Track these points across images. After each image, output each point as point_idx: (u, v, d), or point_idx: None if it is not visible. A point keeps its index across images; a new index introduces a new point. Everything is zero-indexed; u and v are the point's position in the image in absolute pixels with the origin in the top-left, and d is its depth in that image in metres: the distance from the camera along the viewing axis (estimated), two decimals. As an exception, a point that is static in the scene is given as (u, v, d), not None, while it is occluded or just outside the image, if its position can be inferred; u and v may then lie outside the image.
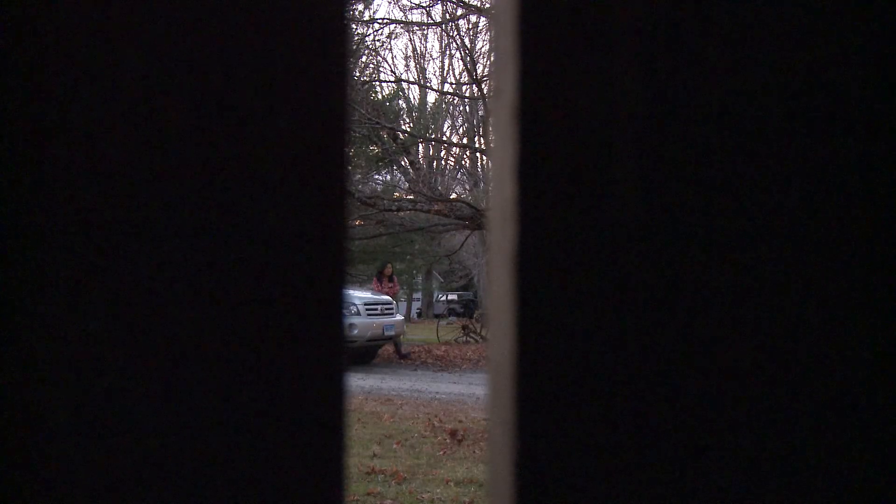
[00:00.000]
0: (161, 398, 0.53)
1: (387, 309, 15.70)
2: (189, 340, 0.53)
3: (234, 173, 0.53)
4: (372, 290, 18.01)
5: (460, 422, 8.84)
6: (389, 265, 19.12)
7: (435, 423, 8.77)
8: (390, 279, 18.51)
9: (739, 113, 0.56)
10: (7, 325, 0.52)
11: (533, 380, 0.54)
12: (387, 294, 17.22)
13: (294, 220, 0.54)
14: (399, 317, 16.33)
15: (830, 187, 0.56)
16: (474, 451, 7.37)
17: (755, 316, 0.56)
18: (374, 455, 7.12)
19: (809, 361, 0.56)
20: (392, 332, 15.56)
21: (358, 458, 6.88)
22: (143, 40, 0.53)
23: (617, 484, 0.55)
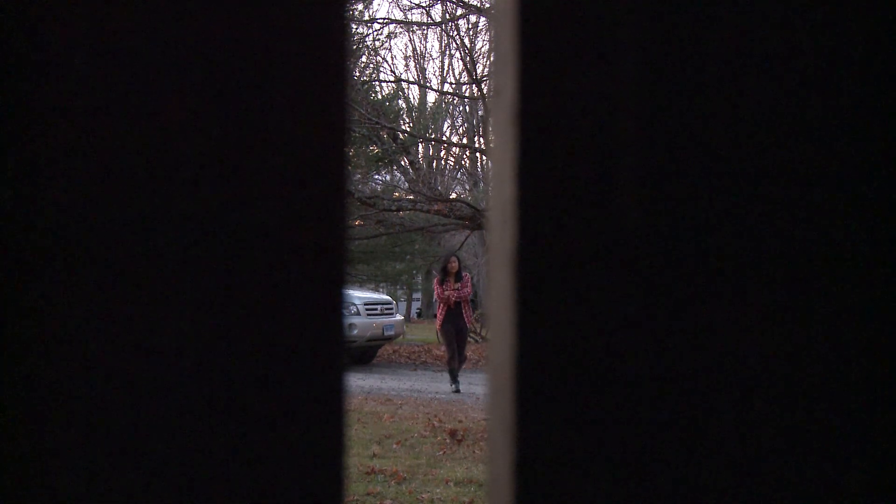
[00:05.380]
0: (160, 398, 0.53)
1: (387, 309, 15.69)
2: (188, 340, 0.53)
3: (234, 173, 0.53)
4: (434, 296, 12.90)
5: (460, 422, 8.83)
6: (455, 258, 12.67)
7: (435, 423, 8.77)
8: (458, 277, 12.42)
9: (740, 112, 0.56)
10: (8, 324, 0.52)
11: (533, 380, 0.54)
12: (458, 299, 12.23)
13: (294, 220, 0.54)
14: (399, 317, 16.30)
15: (834, 185, 0.56)
16: (474, 451, 7.37)
17: (757, 315, 0.56)
18: (374, 455, 7.12)
19: (811, 358, 0.56)
20: (392, 332, 15.53)
21: (358, 458, 6.88)
22: (142, 39, 0.53)
23: (616, 484, 0.55)
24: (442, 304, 12.36)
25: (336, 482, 0.54)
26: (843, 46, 0.56)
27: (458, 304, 12.24)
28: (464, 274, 12.54)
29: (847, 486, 0.56)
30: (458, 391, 11.74)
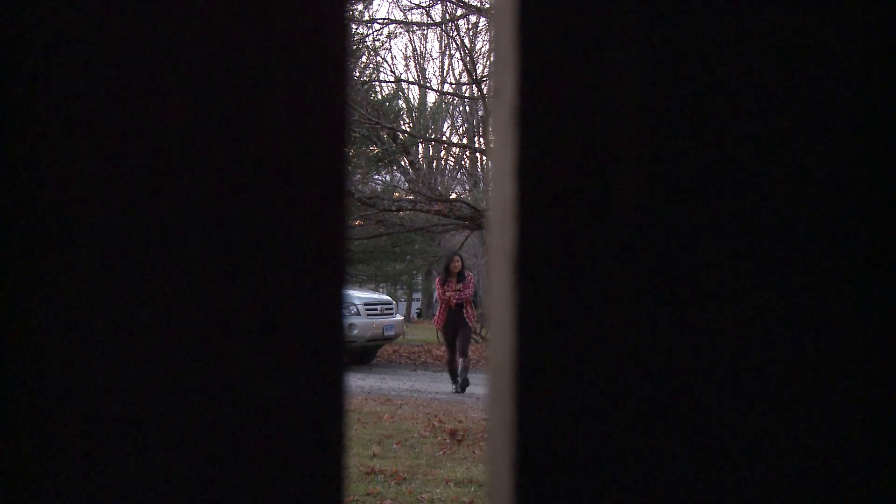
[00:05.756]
0: (161, 398, 0.53)
1: (387, 309, 15.67)
2: (189, 340, 0.53)
3: (234, 173, 0.53)
4: (435, 296, 12.08)
5: (460, 422, 8.83)
6: (458, 257, 12.00)
7: (435, 423, 8.76)
8: (460, 277, 11.69)
9: (740, 113, 0.55)
10: (12, 324, 0.52)
11: (533, 380, 0.54)
12: (460, 300, 11.55)
13: (294, 220, 0.54)
14: (399, 317, 16.29)
15: (833, 187, 0.56)
16: (474, 451, 7.36)
17: (757, 315, 0.56)
18: (374, 455, 7.11)
19: (812, 358, 0.56)
20: (392, 332, 15.51)
21: (358, 458, 6.87)
22: (143, 41, 0.53)
23: (616, 484, 0.55)
24: (442, 305, 11.79)
25: (336, 482, 0.54)
26: (843, 48, 0.56)
27: (459, 304, 11.62)
28: (467, 274, 11.85)
29: (847, 486, 0.56)
30: (457, 391, 11.42)
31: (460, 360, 11.50)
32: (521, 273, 0.55)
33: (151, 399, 0.53)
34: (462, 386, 11.45)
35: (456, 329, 11.63)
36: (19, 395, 0.52)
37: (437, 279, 12.18)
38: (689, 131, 0.55)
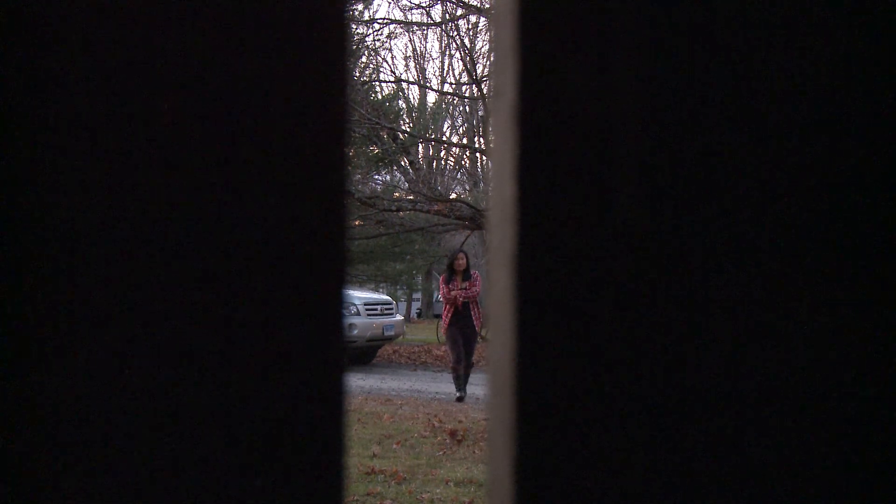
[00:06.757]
0: (161, 398, 0.53)
1: (387, 309, 15.67)
2: (189, 340, 0.53)
3: (235, 173, 0.53)
4: (438, 294, 11.24)
5: (460, 422, 8.83)
6: (462, 255, 11.21)
7: (435, 423, 8.76)
8: (466, 275, 10.96)
9: (740, 113, 0.56)
10: (11, 323, 0.52)
11: (533, 381, 0.54)
12: (467, 298, 10.84)
13: (294, 220, 0.54)
14: (399, 317, 16.29)
15: (834, 187, 0.56)
16: (474, 452, 7.37)
17: (758, 316, 0.56)
18: (374, 455, 7.11)
19: (811, 361, 0.56)
20: (392, 332, 15.50)
21: (358, 458, 6.87)
22: (142, 40, 0.53)
23: (616, 484, 0.55)
24: (448, 305, 10.97)
25: (336, 482, 0.54)
26: (844, 46, 0.56)
27: (465, 304, 10.84)
28: (473, 272, 11.04)
29: (847, 492, 0.56)
30: (461, 399, 10.80)
31: (463, 367, 10.95)
32: (521, 273, 0.55)
33: (150, 399, 0.53)
34: (459, 397, 10.98)
35: (462, 332, 11.00)
36: (19, 396, 0.52)
37: (441, 278, 11.36)
38: (689, 131, 0.55)
